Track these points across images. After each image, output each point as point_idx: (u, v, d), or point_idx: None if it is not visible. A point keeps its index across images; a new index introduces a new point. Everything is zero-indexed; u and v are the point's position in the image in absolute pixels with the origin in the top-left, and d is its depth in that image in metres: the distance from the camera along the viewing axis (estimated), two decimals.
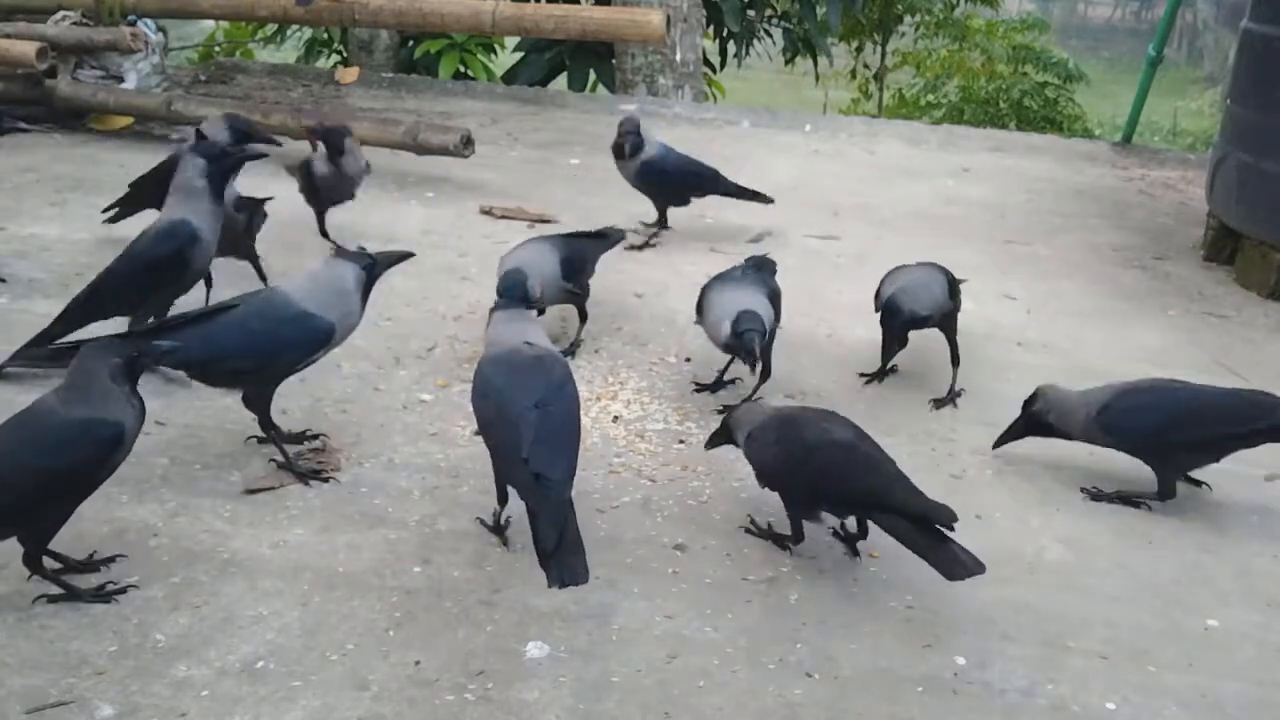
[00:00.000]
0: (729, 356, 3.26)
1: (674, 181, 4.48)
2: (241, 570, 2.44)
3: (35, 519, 2.23)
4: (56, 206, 4.53)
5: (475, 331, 3.58)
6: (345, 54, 8.86)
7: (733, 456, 2.85)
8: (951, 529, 2.34)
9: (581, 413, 2.54)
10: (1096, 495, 2.95)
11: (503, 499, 2.55)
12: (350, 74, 7.19)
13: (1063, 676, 2.31)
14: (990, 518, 2.83)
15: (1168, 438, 2.86)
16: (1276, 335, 4.17)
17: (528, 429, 2.33)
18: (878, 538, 2.53)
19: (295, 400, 3.11)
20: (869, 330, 3.55)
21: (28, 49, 5.24)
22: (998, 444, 3.09)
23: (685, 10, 7.68)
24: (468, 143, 5.08)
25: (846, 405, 3.16)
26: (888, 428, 3.08)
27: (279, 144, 4.13)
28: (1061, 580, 2.62)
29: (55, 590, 2.30)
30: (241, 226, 3.57)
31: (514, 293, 2.82)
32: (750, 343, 2.97)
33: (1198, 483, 3.00)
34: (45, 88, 5.46)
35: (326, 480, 2.78)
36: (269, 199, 3.69)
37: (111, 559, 2.42)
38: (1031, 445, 3.07)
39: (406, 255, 3.02)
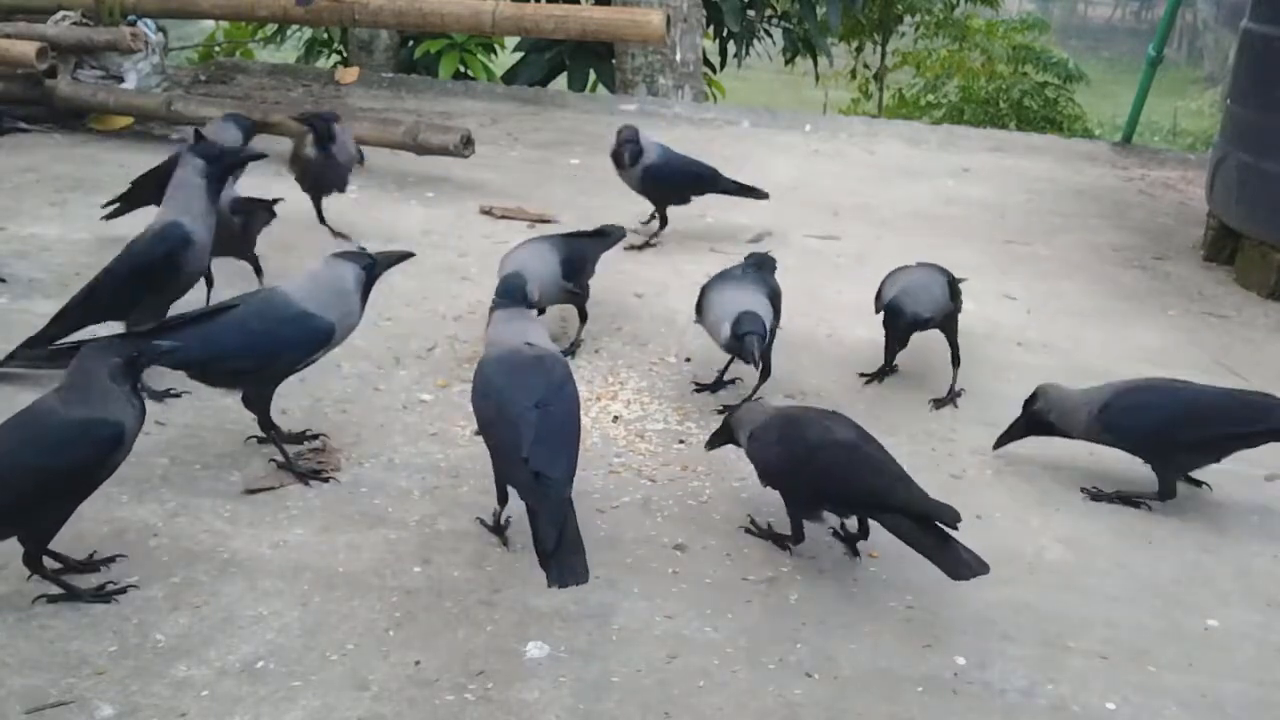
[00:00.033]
0: (729, 356, 3.26)
1: (676, 183, 4.49)
2: (241, 570, 2.44)
3: (35, 519, 2.23)
4: (56, 206, 4.53)
5: (475, 331, 3.58)
6: (345, 54, 8.86)
7: (733, 456, 2.85)
8: (956, 529, 2.34)
9: (581, 413, 2.55)
10: (1096, 495, 2.95)
11: (503, 499, 2.55)
12: (350, 74, 7.19)
13: (1063, 676, 2.31)
14: (990, 518, 2.83)
15: (1169, 436, 2.86)
16: (1276, 335, 4.17)
17: (528, 429, 2.33)
18: (878, 538, 2.53)
19: (295, 400, 3.11)
20: (869, 330, 3.56)
21: (28, 49, 5.24)
22: (998, 444, 3.09)
23: (685, 10, 7.68)
24: (468, 143, 5.09)
25: (846, 405, 3.16)
26: (888, 428, 3.08)
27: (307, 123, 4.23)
28: (1061, 580, 2.62)
29: (55, 590, 2.30)
30: (237, 228, 3.55)
31: (512, 295, 2.82)
32: (750, 344, 2.97)
33: (1198, 483, 3.00)
34: (45, 88, 5.46)
35: (326, 480, 2.78)
36: (278, 200, 3.68)
37: (111, 559, 2.42)
38: (1031, 445, 3.07)
39: (406, 255, 3.03)
